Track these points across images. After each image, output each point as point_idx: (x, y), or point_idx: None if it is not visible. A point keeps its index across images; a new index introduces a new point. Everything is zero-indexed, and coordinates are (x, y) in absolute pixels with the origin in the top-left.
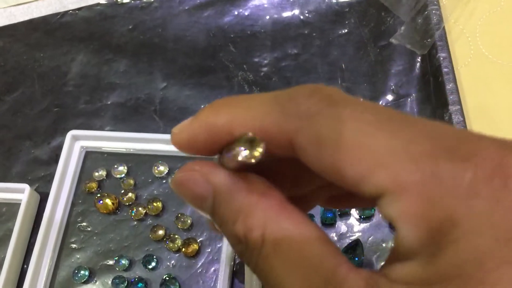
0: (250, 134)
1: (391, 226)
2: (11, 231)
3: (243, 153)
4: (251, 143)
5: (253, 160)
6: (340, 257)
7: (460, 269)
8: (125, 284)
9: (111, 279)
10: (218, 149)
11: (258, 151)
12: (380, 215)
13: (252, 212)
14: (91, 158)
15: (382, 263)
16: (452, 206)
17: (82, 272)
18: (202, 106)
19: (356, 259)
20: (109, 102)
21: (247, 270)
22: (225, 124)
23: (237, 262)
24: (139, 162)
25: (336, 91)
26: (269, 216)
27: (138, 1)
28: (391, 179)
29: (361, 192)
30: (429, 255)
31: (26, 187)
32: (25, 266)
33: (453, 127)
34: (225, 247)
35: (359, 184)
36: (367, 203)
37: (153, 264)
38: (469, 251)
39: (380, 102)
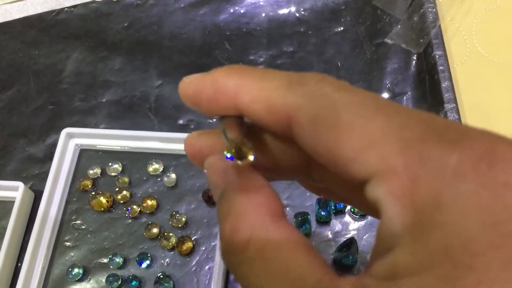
0: (240, 139)
1: None
2: (5, 229)
3: (230, 161)
4: (239, 149)
5: (239, 165)
6: (326, 267)
7: (447, 254)
8: (119, 282)
9: (105, 277)
10: (220, 110)
11: (245, 160)
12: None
13: (243, 215)
14: (85, 156)
15: None
16: (437, 187)
17: (76, 270)
18: None
19: (351, 257)
20: (104, 100)
21: None
22: (233, 87)
23: None
24: (134, 160)
25: (344, 83)
26: (259, 223)
27: None
28: (379, 160)
29: (350, 175)
30: (414, 240)
31: (20, 185)
32: (19, 264)
33: (445, 118)
34: (220, 245)
35: (349, 165)
36: (352, 194)
37: (148, 262)
38: (456, 235)
39: None
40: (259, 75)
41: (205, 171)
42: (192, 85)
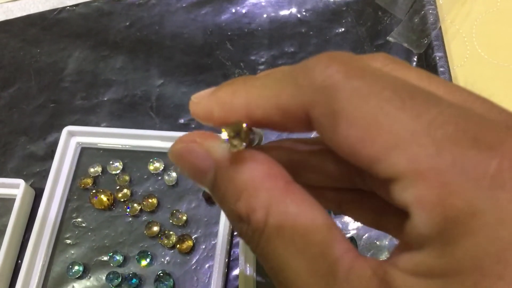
0: (241, 124)
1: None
2: (5, 226)
3: (229, 145)
4: (237, 133)
5: (234, 150)
6: (347, 243)
7: (479, 261)
8: (119, 280)
9: (105, 275)
10: None
11: (240, 143)
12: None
13: (256, 191)
14: (86, 154)
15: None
16: (473, 196)
17: (76, 267)
18: None
19: None
20: (105, 99)
21: (241, 262)
22: (241, 104)
23: (231, 259)
24: (135, 159)
25: (354, 60)
26: (274, 197)
27: None
28: (409, 162)
29: (374, 173)
30: (443, 245)
31: (21, 182)
32: (19, 261)
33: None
34: (220, 244)
35: (374, 164)
36: (379, 205)
37: (148, 260)
38: (490, 243)
39: None
40: (262, 84)
41: (175, 159)
42: (202, 107)
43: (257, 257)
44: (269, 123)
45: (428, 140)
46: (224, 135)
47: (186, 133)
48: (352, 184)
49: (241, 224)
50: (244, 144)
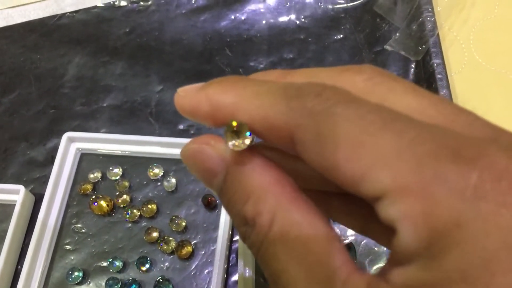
0: (236, 123)
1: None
2: (5, 232)
3: (229, 143)
4: (237, 132)
5: (238, 149)
6: (346, 256)
7: (465, 272)
8: (119, 286)
9: (105, 281)
10: (219, 123)
11: (243, 142)
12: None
13: (264, 196)
14: (86, 160)
15: (375, 266)
16: (457, 208)
17: (76, 273)
18: None
19: None
20: (105, 105)
21: (240, 267)
22: (229, 105)
23: (231, 264)
24: (134, 165)
25: (345, 92)
26: (281, 203)
27: (135, 5)
28: (392, 179)
29: (360, 193)
30: (431, 258)
31: (21, 188)
32: (19, 267)
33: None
34: (219, 249)
35: (359, 183)
36: (364, 216)
37: (147, 266)
38: (475, 254)
39: None
40: (255, 90)
41: (187, 159)
42: (188, 100)
43: (258, 262)
44: (251, 130)
45: (409, 156)
46: (227, 135)
47: (199, 136)
48: (339, 188)
49: (245, 228)
50: (245, 141)
